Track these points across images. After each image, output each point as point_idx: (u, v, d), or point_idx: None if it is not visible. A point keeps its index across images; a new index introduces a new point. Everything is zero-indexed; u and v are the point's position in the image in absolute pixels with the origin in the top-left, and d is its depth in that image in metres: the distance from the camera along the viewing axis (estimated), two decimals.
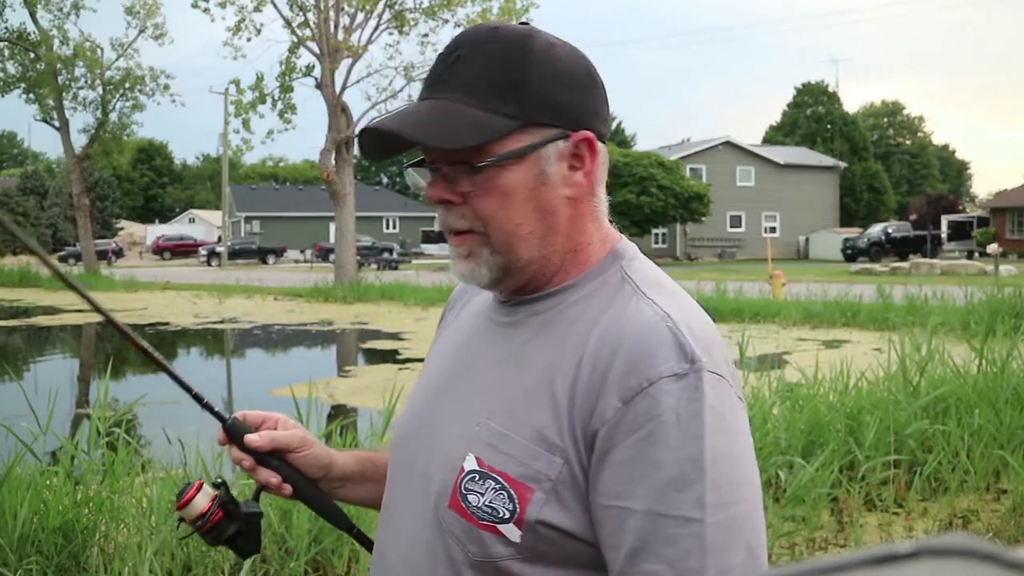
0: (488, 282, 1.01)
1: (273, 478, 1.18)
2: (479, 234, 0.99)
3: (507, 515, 0.93)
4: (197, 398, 1.19)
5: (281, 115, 24.99)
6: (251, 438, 1.17)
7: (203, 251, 50.66)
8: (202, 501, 1.15)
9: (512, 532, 0.93)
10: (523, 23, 1.02)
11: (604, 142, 1.03)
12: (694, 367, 0.89)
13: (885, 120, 79.06)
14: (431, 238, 48.71)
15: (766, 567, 0.89)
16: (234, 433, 1.18)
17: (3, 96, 30.71)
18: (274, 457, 1.18)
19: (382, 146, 1.01)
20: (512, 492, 0.93)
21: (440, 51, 1.02)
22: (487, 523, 0.94)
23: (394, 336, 14.55)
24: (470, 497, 0.95)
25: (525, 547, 0.93)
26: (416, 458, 1.07)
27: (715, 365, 0.91)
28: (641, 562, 0.87)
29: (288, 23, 24.36)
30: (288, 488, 1.18)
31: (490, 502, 0.94)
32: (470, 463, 0.97)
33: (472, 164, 0.96)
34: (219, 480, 1.20)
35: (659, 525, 0.86)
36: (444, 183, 0.99)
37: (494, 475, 0.94)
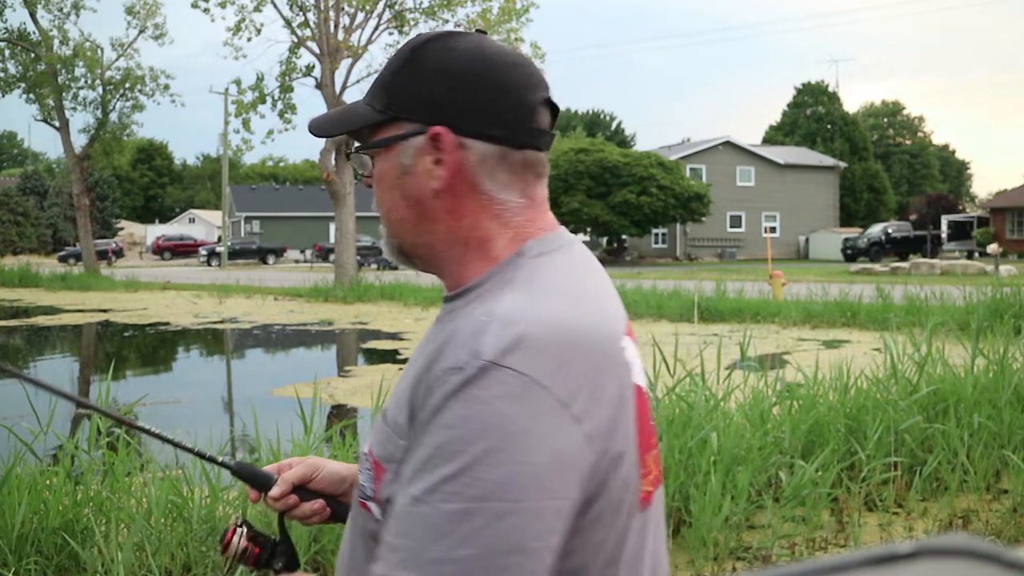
0: (395, 260, 1.12)
1: (314, 506, 1.30)
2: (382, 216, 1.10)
3: (370, 493, 1.01)
4: (201, 455, 1.38)
5: (281, 115, 25.02)
6: (271, 492, 1.29)
7: (203, 251, 50.68)
8: (238, 541, 1.30)
9: (375, 509, 1.00)
10: (479, 30, 1.08)
11: (499, 143, 1.01)
12: (477, 363, 0.88)
13: (885, 120, 79.05)
14: None
15: None
16: (242, 473, 1.32)
17: (3, 96, 30.75)
18: (299, 491, 1.30)
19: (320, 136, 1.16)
20: (373, 473, 1.01)
21: None
22: (362, 500, 1.03)
23: (394, 336, 14.55)
24: (361, 477, 1.05)
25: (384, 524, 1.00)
26: None
27: (521, 364, 0.88)
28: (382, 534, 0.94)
29: (288, 23, 24.39)
30: (328, 510, 1.30)
31: (364, 481, 1.03)
32: (365, 447, 1.07)
33: (348, 152, 1.09)
34: (241, 520, 1.32)
35: (399, 502, 0.91)
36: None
37: (370, 456, 1.03)
